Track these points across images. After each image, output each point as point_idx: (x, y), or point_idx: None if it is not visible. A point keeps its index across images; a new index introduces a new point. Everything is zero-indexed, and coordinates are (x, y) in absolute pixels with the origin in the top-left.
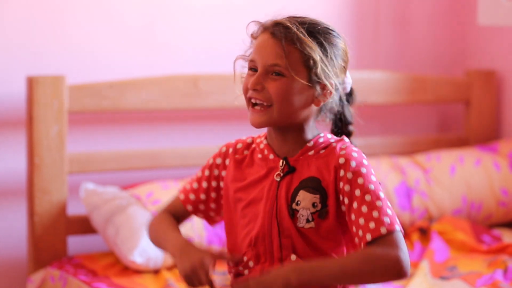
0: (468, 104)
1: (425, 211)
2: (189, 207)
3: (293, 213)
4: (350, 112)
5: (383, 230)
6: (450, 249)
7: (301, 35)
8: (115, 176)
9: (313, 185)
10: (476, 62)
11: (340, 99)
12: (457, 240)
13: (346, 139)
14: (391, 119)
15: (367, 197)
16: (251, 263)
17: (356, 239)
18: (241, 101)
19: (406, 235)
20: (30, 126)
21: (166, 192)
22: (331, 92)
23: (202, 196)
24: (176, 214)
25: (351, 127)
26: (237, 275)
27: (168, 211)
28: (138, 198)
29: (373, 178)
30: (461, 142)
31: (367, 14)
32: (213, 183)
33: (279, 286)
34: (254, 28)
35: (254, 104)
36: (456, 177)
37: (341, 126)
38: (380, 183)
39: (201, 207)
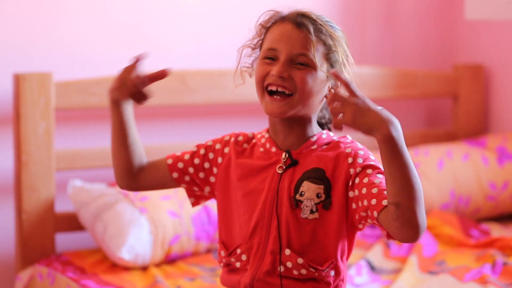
0: (456, 99)
1: None
2: (175, 175)
3: (297, 204)
4: None
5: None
6: (439, 244)
7: (329, 28)
8: (102, 172)
9: (317, 175)
10: (464, 57)
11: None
12: (445, 235)
13: (349, 136)
14: None
15: (379, 175)
16: (244, 257)
17: (363, 213)
18: (234, 95)
19: None
20: (17, 123)
21: None
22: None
23: (190, 170)
24: (157, 173)
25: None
26: (228, 265)
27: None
28: (126, 195)
29: (381, 166)
30: (449, 137)
31: (355, 9)
32: (206, 165)
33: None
34: (263, 17)
35: (272, 92)
36: (444, 172)
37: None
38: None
39: (187, 178)
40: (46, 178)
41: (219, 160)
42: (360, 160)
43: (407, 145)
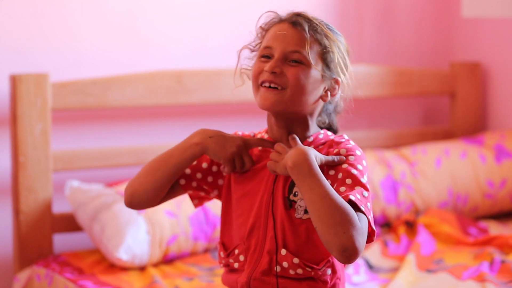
0: (453, 97)
1: (411, 204)
2: (182, 181)
3: (290, 204)
4: (336, 120)
5: (351, 197)
6: (437, 242)
7: (324, 27)
8: (100, 173)
9: None
10: (460, 55)
11: (331, 103)
12: (443, 233)
13: (345, 136)
14: (376, 113)
15: (348, 181)
16: (241, 257)
17: None
18: (231, 94)
19: (393, 229)
20: (14, 124)
21: None
22: (339, 87)
23: (198, 175)
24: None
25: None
26: (227, 265)
27: None
28: (123, 195)
29: (360, 167)
30: (446, 135)
31: (351, 7)
32: (214, 168)
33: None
34: (263, 20)
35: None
36: (441, 170)
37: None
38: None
39: (194, 184)
40: (43, 179)
41: None
42: (343, 151)
43: (404, 144)
